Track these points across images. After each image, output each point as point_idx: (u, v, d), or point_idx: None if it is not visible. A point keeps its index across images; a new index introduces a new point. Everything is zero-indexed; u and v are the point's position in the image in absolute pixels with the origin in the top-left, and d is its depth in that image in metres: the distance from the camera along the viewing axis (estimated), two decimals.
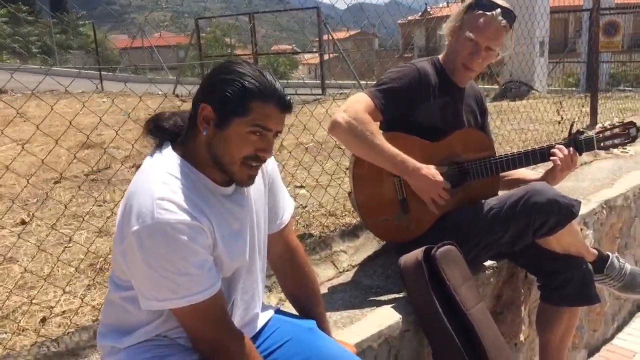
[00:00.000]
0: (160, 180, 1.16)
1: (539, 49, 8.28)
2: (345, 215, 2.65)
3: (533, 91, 8.19)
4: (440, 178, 1.90)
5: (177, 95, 8.21)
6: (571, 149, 2.01)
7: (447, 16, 2.08)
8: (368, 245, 2.37)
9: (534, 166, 2.27)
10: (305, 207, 2.77)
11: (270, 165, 1.44)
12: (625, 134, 2.03)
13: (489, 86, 9.75)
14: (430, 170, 1.90)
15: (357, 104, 1.89)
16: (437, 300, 1.73)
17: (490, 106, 2.38)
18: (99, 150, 4.37)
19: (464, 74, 2.03)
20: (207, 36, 20.08)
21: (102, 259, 2.27)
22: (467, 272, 1.83)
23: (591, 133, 2.05)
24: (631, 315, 3.38)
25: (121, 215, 1.17)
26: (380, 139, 1.86)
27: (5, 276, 2.25)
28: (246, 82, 1.16)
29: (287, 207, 1.51)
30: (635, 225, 3.25)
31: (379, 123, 1.96)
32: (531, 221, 1.90)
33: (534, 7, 6.83)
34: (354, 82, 9.66)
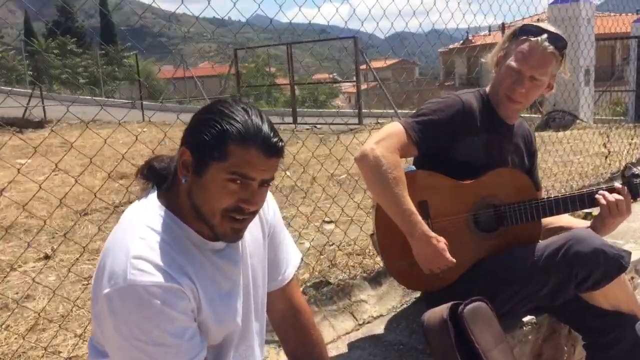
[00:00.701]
0: (138, 235, 1.04)
1: (584, 78, 7.97)
2: (373, 255, 2.51)
3: (578, 121, 7.87)
4: (448, 256, 1.73)
5: None
6: (625, 189, 1.83)
7: (489, 44, 1.95)
8: (392, 293, 2.20)
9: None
10: (332, 244, 2.66)
11: (272, 212, 1.30)
12: None
13: (530, 115, 9.46)
14: (440, 244, 1.73)
15: (390, 140, 1.75)
16: None
17: None
18: (133, 180, 4.38)
19: (508, 106, 1.88)
20: (248, 66, 20.54)
21: None
22: (499, 332, 1.64)
23: None
24: None
25: (95, 274, 1.06)
26: (400, 188, 1.71)
27: (19, 317, 2.19)
28: (225, 123, 1.02)
29: (291, 260, 1.36)
30: None
31: (406, 160, 1.82)
32: (573, 273, 1.72)
33: (577, 35, 6.61)
34: (389, 110, 9.57)
